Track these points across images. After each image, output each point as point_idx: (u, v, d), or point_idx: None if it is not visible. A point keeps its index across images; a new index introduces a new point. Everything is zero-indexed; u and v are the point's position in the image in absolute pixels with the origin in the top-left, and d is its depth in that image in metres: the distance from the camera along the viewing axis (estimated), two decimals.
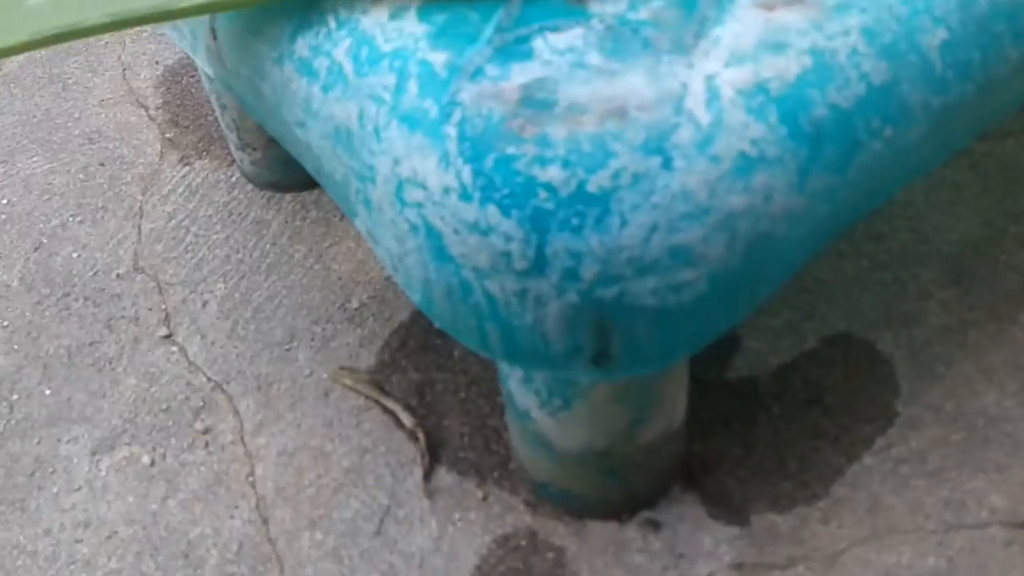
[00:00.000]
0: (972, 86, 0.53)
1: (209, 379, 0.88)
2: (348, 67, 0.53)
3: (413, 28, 0.52)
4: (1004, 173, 0.94)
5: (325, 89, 0.54)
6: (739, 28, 0.49)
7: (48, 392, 0.89)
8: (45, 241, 1.01)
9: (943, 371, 0.80)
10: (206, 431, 0.84)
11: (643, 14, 0.50)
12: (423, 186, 0.48)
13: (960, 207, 0.91)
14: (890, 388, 0.80)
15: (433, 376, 0.85)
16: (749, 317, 0.82)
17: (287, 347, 0.89)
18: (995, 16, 0.53)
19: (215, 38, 0.64)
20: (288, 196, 1.02)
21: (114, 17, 0.55)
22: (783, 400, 0.80)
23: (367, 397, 0.84)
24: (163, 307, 0.93)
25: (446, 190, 0.47)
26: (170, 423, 0.85)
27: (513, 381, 0.66)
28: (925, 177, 0.93)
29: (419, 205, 0.49)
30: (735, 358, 0.83)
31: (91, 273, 0.97)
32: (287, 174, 0.99)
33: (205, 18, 0.64)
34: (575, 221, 0.46)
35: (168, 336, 0.91)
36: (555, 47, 0.49)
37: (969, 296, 0.85)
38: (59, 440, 0.85)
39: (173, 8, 0.55)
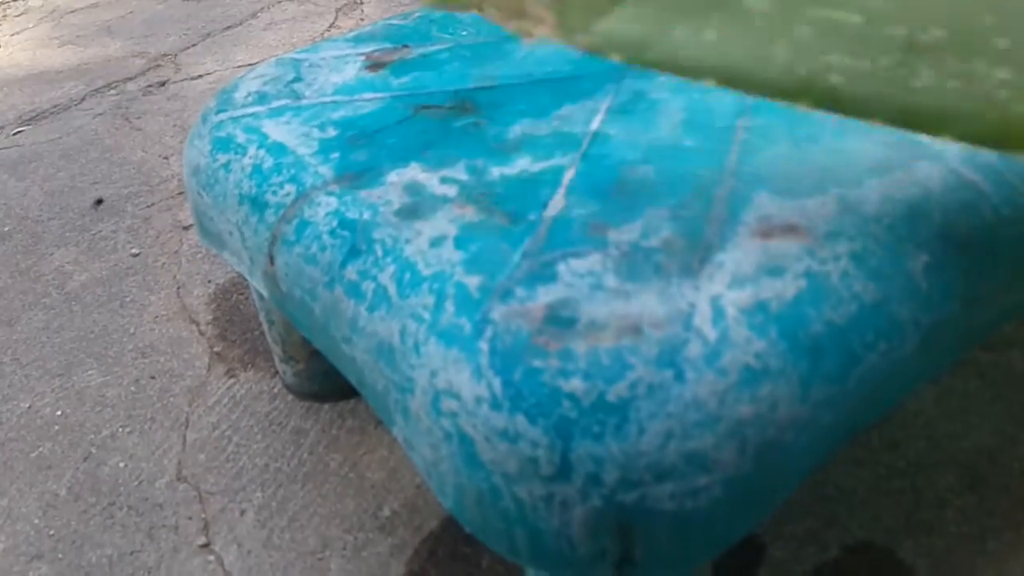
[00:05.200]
0: (958, 303, 0.58)
1: None
2: (392, 289, 0.59)
3: (450, 255, 0.59)
4: (1011, 382, 0.97)
5: (371, 309, 0.60)
6: (740, 254, 0.55)
7: None
8: (94, 451, 1.05)
9: None
10: None
11: (654, 241, 0.57)
12: (457, 396, 0.53)
13: (971, 415, 0.94)
14: None
15: None
16: (771, 523, 0.83)
17: (320, 556, 0.90)
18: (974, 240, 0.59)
19: (272, 263, 0.71)
20: (326, 406, 1.06)
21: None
22: None
23: None
24: (203, 516, 0.96)
25: (478, 400, 0.52)
26: None
27: None
28: (936, 386, 0.97)
29: (453, 414, 0.53)
30: (760, 569, 0.83)
31: (136, 483, 1.01)
32: (327, 384, 1.04)
33: (264, 246, 0.72)
34: (596, 429, 0.49)
35: (206, 545, 0.93)
36: (576, 271, 0.55)
37: (986, 503, 0.86)
38: None
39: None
